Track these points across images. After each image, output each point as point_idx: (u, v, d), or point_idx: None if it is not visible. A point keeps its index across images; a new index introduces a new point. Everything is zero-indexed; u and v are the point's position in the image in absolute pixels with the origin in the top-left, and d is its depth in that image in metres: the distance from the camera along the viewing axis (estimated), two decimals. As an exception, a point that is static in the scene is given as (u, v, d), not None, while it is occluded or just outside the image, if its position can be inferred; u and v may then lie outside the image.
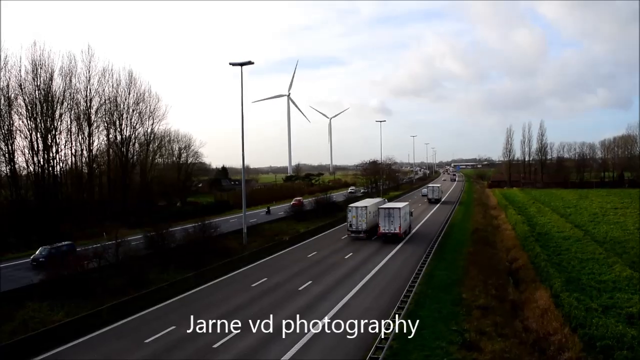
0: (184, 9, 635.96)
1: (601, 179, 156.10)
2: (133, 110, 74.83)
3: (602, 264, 39.05)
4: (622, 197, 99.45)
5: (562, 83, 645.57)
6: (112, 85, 71.69)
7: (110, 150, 74.08)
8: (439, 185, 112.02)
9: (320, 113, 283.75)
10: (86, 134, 67.94)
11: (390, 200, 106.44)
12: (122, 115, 73.37)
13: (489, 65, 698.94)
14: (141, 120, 76.48)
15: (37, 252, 40.83)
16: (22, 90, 59.13)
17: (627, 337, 22.58)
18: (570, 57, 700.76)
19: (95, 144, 70.64)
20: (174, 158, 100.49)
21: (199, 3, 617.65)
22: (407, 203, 60.86)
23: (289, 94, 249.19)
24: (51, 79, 61.64)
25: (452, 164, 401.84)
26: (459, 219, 71.35)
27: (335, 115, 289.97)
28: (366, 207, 53.98)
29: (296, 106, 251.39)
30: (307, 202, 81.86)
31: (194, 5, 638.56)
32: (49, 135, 61.65)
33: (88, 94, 67.81)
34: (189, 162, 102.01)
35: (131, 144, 75.86)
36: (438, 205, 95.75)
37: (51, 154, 62.17)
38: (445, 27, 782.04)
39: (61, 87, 63.58)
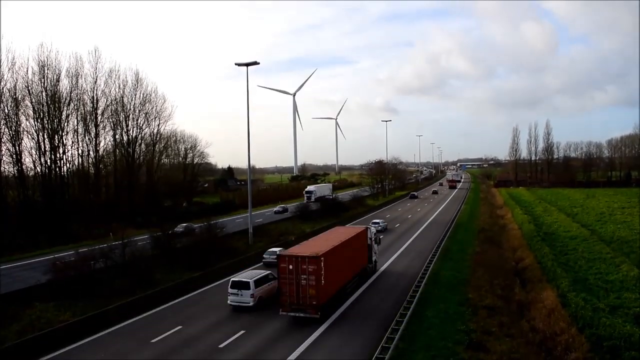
0: (191, 9, 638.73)
1: (608, 178, 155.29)
2: (139, 111, 75.13)
3: (609, 264, 38.88)
4: (629, 196, 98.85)
5: (571, 80, 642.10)
6: (119, 85, 72.00)
7: (117, 150, 74.36)
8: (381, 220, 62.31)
9: (325, 118, 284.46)
10: (93, 134, 68.26)
11: (390, 201, 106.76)
12: (128, 115, 73.67)
13: (496, 63, 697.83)
14: (147, 121, 76.80)
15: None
16: (29, 92, 59.47)
17: (635, 337, 22.49)
18: (579, 54, 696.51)
19: (101, 144, 71.01)
20: (180, 158, 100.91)
21: (206, 3, 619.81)
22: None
23: (295, 93, 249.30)
24: (58, 79, 61.98)
25: (458, 164, 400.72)
26: (465, 219, 71.13)
27: (339, 113, 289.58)
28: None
29: (296, 110, 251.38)
30: (312, 202, 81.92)
31: (200, 5, 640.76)
32: (56, 136, 61.96)
33: (95, 95, 68.13)
34: (195, 162, 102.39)
35: (137, 144, 76.16)
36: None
37: (58, 155, 62.49)
38: (453, 24, 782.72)
39: (68, 88, 63.97)
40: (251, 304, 27.55)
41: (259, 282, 28.50)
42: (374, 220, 59.57)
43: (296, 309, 25.67)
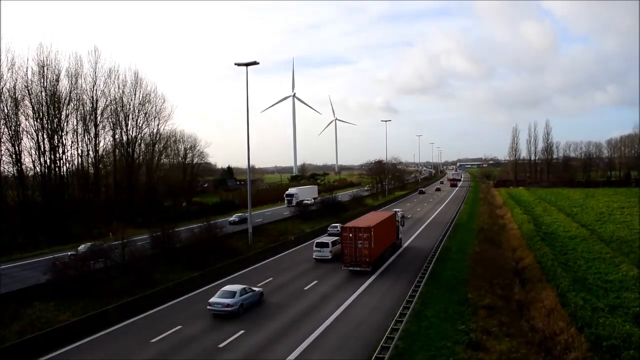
0: (190, 9, 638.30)
1: (608, 178, 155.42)
2: (139, 111, 75.16)
3: (609, 264, 38.94)
4: (628, 196, 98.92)
5: (571, 80, 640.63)
6: (118, 85, 72.05)
7: (116, 150, 74.39)
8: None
9: (327, 126, 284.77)
10: (92, 134, 68.29)
11: (390, 201, 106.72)
12: (128, 115, 73.69)
13: (496, 62, 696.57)
14: (147, 121, 76.81)
15: None
16: (28, 92, 59.54)
17: (634, 336, 22.50)
18: (580, 53, 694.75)
19: (101, 144, 71.07)
20: (180, 158, 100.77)
21: (205, 3, 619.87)
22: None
23: (294, 93, 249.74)
24: (57, 80, 62.02)
25: (458, 163, 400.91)
26: (464, 219, 71.19)
27: (333, 112, 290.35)
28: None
29: (304, 102, 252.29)
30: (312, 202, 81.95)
31: (200, 4, 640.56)
32: (55, 136, 62.00)
33: (94, 95, 68.20)
34: (194, 162, 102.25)
35: (137, 144, 76.18)
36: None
37: (57, 155, 62.52)
38: (452, 23, 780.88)
39: (67, 88, 64.07)
40: (330, 257, 41.21)
41: (334, 243, 42.02)
42: (394, 210, 64.76)
43: (354, 264, 36.82)
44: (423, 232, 59.05)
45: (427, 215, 78.44)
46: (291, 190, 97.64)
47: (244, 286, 28.67)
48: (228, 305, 26.47)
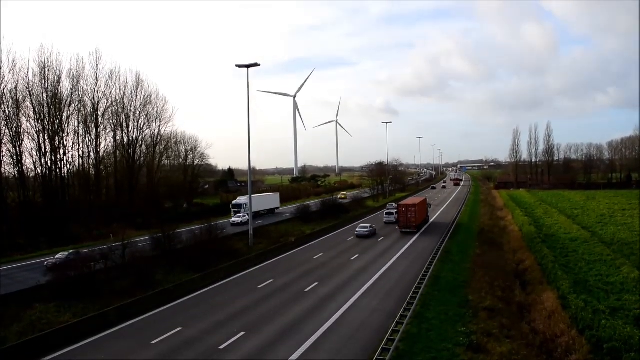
0: (191, 10, 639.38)
1: (608, 180, 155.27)
2: (140, 112, 75.36)
3: (610, 266, 38.85)
4: (629, 198, 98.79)
5: (572, 81, 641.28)
6: (120, 87, 72.25)
7: (117, 152, 74.50)
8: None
9: (326, 123, 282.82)
10: (93, 135, 68.41)
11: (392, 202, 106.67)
12: (129, 117, 73.85)
13: (497, 64, 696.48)
14: (148, 122, 76.99)
15: None
16: (30, 93, 59.66)
17: (635, 339, 22.45)
18: (581, 55, 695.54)
19: (102, 145, 71.23)
20: (181, 160, 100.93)
21: (206, 4, 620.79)
22: None
23: (295, 95, 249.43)
24: (59, 81, 62.16)
25: (459, 165, 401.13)
26: (465, 221, 71.15)
27: (338, 113, 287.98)
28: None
29: (298, 111, 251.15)
30: (313, 204, 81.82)
31: (201, 6, 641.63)
32: (57, 137, 62.10)
33: (95, 96, 68.38)
34: (195, 163, 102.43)
35: (138, 145, 76.31)
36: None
37: (58, 156, 62.61)
38: (453, 25, 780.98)
39: (69, 90, 64.19)
40: (394, 220, 63.87)
41: (396, 213, 63.63)
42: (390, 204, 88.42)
43: (405, 227, 58.45)
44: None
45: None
46: (239, 200, 74.74)
47: (372, 224, 59.58)
48: (368, 231, 56.34)
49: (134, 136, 74.91)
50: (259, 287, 33.92)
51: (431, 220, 70.73)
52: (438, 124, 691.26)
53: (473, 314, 26.84)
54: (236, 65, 48.72)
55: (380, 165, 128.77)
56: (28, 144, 60.05)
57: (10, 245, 49.38)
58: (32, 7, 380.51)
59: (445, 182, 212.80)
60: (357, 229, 57.45)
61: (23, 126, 59.33)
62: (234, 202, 75.67)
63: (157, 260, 39.06)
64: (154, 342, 23.36)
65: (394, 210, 66.74)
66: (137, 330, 25.38)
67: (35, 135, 60.16)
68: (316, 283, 34.69)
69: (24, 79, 58.86)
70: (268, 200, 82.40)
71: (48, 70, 60.71)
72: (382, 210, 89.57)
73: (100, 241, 45.98)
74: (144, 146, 78.54)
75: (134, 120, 74.46)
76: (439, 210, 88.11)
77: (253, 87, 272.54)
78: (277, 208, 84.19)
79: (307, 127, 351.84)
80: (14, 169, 59.16)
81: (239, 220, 65.88)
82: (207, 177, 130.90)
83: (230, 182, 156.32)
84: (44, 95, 60.60)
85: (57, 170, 62.86)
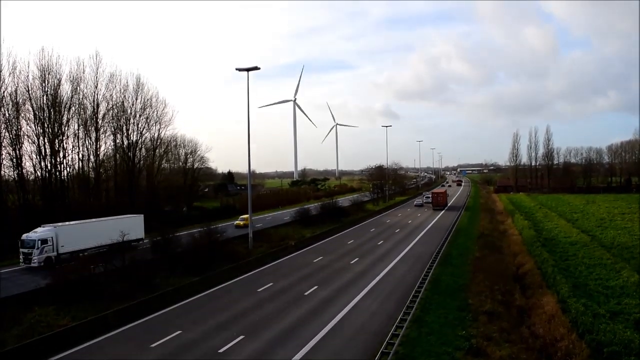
0: (191, 13, 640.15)
1: (608, 184, 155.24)
2: (140, 116, 75.11)
3: (610, 270, 38.80)
4: (629, 202, 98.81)
5: (572, 84, 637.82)
6: (120, 90, 72.03)
7: (117, 155, 74.37)
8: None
9: (330, 129, 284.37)
10: (93, 138, 68.28)
11: (391, 206, 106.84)
12: (129, 120, 73.69)
13: (497, 67, 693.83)
14: (148, 126, 76.77)
15: None
16: (30, 96, 59.47)
17: (635, 343, 22.42)
18: (580, 58, 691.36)
19: (102, 148, 70.93)
20: (180, 163, 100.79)
21: (206, 7, 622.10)
22: None
23: (295, 99, 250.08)
24: (59, 84, 62.03)
25: (459, 169, 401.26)
26: (465, 224, 71.21)
27: (337, 122, 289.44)
28: None
29: (302, 111, 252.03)
30: (313, 207, 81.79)
31: (201, 9, 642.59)
32: (56, 140, 62.00)
33: (95, 99, 68.16)
34: (195, 167, 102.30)
35: (138, 148, 76.14)
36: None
37: (58, 159, 62.50)
38: (453, 28, 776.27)
39: (69, 93, 64.01)
40: (423, 204, 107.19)
41: (430, 198, 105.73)
42: (426, 194, 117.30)
43: (436, 206, 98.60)
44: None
45: (428, 220, 78.63)
46: (38, 232, 42.67)
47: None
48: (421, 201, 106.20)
49: (134, 139, 74.79)
50: (259, 290, 33.91)
51: (432, 221, 78.48)
52: (438, 127, 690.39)
53: (473, 317, 26.85)
54: (236, 69, 48.91)
55: (380, 169, 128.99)
56: (28, 147, 59.89)
57: (10, 247, 49.27)
58: (32, 10, 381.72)
59: (448, 183, 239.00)
60: (416, 201, 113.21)
61: (23, 129, 59.17)
62: (24, 236, 42.39)
63: (157, 263, 39.03)
64: (153, 345, 23.34)
65: (430, 197, 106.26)
66: (136, 333, 25.36)
67: (35, 138, 60.04)
68: (316, 286, 34.69)
69: (24, 82, 58.73)
70: (119, 226, 43.66)
71: (48, 73, 60.60)
72: (382, 214, 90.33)
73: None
74: (143, 149, 78.40)
75: (134, 123, 74.32)
76: (438, 213, 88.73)
77: (254, 92, 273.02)
78: (140, 240, 50.44)
79: (306, 125, 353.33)
80: (13, 171, 59.01)
81: (35, 264, 40.28)
82: (207, 180, 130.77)
83: (230, 185, 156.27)
84: (44, 98, 60.52)
85: (57, 173, 62.77)
